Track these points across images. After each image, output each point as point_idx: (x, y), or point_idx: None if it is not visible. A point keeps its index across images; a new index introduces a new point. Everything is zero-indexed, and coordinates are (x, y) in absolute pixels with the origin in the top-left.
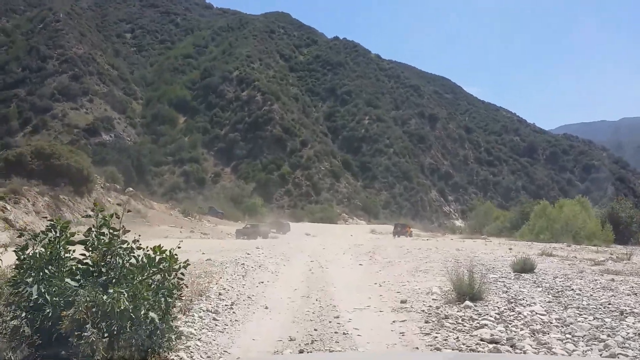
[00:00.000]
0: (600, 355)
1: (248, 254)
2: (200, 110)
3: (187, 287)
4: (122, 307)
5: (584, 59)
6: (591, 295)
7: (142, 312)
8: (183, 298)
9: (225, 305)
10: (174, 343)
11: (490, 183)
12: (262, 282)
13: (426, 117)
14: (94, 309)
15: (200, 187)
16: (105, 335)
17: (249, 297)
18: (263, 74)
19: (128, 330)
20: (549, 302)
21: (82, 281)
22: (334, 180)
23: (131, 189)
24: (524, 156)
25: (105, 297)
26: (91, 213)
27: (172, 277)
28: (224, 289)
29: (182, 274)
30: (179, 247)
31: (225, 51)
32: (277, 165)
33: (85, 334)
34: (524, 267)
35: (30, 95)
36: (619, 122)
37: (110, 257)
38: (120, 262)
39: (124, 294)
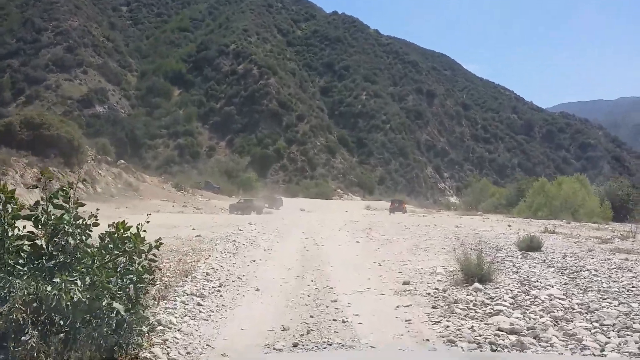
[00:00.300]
0: (639, 348)
1: (240, 229)
2: (195, 83)
3: (160, 269)
4: (74, 299)
5: (583, 39)
6: (610, 276)
7: (105, 303)
8: (163, 281)
9: (213, 287)
10: (146, 337)
11: (485, 160)
12: (254, 261)
13: (424, 93)
14: (35, 304)
15: (194, 160)
16: (64, 330)
17: (239, 278)
18: (260, 48)
19: (87, 325)
20: (566, 284)
21: (26, 267)
22: (330, 155)
23: (123, 161)
24: (520, 134)
25: (49, 288)
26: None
27: (142, 258)
28: (213, 268)
29: (155, 255)
30: (147, 222)
31: (222, 25)
32: (273, 140)
33: (24, 337)
34: (531, 245)
35: (24, 66)
36: (617, 101)
37: (60, 236)
38: (73, 242)
39: (77, 283)
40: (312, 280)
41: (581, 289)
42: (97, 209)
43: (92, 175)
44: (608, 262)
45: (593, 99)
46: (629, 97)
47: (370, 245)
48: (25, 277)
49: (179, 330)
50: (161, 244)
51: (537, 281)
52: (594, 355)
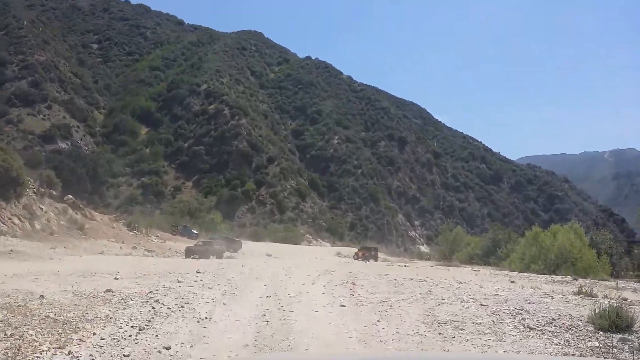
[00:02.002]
0: None
1: (180, 281)
2: (164, 122)
3: None
4: None
5: (546, 95)
6: None
7: None
8: None
9: None
10: None
11: (456, 209)
12: (167, 349)
13: (396, 139)
14: None
15: (158, 200)
16: None
17: None
18: (232, 89)
19: None
20: None
21: None
22: (300, 199)
23: (70, 196)
24: (489, 184)
25: None
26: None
27: None
28: None
29: None
30: None
31: (195, 65)
32: (242, 182)
33: None
34: (617, 323)
35: None
36: (580, 155)
37: None
38: None
39: None
40: None
41: None
42: None
43: (31, 210)
44: None
45: (557, 153)
46: (592, 151)
47: (363, 313)
48: None
49: None
50: None
51: None
52: None
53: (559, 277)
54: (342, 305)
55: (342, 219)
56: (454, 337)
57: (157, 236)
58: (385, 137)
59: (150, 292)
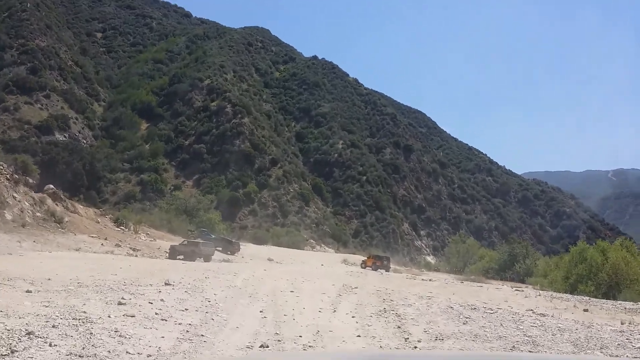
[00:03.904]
0: None
1: (121, 302)
2: (164, 118)
3: None
4: None
5: (549, 111)
6: None
7: None
8: None
9: None
10: None
11: (462, 220)
12: None
13: (401, 147)
14: None
15: (157, 199)
16: None
17: None
18: (236, 86)
19: None
20: None
21: None
22: (303, 203)
23: (52, 186)
24: (496, 197)
25: None
26: None
27: None
28: None
29: None
30: None
31: (199, 59)
32: (243, 183)
33: None
34: None
35: None
36: (584, 173)
37: None
38: None
39: None
40: None
41: None
42: None
43: (2, 197)
44: None
45: (560, 170)
46: (595, 170)
47: None
48: None
49: None
50: None
51: None
52: None
53: (629, 304)
54: None
55: (346, 225)
56: None
57: (147, 234)
58: (390, 144)
59: (30, 333)
